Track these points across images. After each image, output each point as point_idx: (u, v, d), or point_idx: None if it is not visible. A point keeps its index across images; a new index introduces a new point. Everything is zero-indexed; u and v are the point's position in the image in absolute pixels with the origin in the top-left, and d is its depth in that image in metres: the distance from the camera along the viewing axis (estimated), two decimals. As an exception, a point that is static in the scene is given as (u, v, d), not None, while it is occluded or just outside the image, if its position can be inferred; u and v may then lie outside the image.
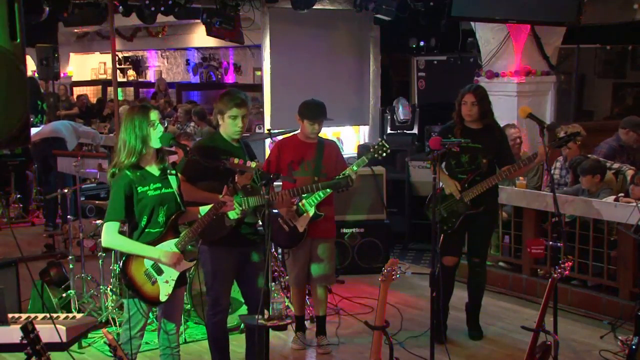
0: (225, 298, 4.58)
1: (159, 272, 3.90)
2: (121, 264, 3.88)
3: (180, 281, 4.00)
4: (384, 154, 4.98)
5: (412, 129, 8.81)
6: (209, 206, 4.00)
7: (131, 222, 3.93)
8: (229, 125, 4.44)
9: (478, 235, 5.54)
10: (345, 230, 7.32)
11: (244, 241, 4.52)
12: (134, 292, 3.87)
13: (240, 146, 4.53)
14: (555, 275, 4.23)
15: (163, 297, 3.91)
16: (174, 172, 4.04)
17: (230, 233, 4.43)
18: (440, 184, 5.22)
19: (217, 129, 4.60)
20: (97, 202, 7.69)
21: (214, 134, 4.66)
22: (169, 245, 3.91)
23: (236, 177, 3.94)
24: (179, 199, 3.99)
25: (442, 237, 5.34)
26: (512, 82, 7.64)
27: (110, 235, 3.84)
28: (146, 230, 3.89)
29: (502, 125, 6.54)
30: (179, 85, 17.16)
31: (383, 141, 5.01)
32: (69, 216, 6.24)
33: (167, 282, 3.91)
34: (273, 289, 5.18)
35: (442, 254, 5.32)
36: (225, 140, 4.49)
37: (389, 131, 8.82)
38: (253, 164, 4.18)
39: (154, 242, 3.89)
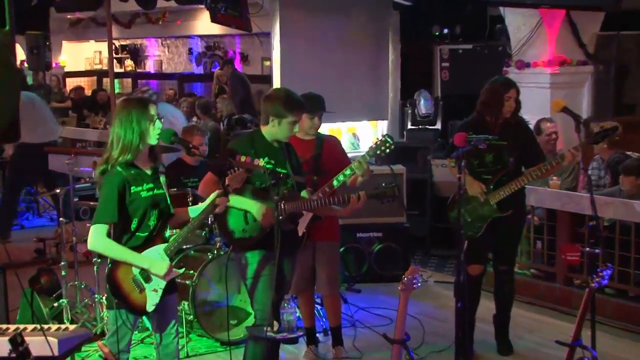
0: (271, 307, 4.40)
1: (147, 279, 3.86)
2: (107, 270, 3.84)
3: (169, 289, 3.95)
4: (387, 150, 4.88)
5: (434, 124, 8.78)
6: (199, 206, 4.00)
7: (119, 224, 3.85)
8: (286, 130, 4.48)
9: (505, 240, 5.49)
10: (361, 235, 7.33)
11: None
12: (121, 301, 3.84)
13: (280, 147, 4.55)
14: (593, 285, 4.20)
15: (150, 307, 3.88)
16: (164, 172, 4.04)
17: (267, 235, 4.37)
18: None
19: (258, 127, 4.62)
20: (91, 203, 7.72)
21: (255, 132, 4.68)
22: (157, 251, 3.87)
23: (226, 180, 3.93)
24: (169, 201, 3.97)
25: (466, 244, 5.31)
26: (544, 72, 7.62)
27: (98, 238, 3.78)
28: (136, 233, 3.85)
29: (536, 120, 6.48)
30: (181, 76, 17.23)
31: (386, 136, 4.90)
32: (61, 218, 6.26)
33: (155, 290, 3.87)
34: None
35: (466, 262, 5.29)
36: (266, 140, 4.51)
37: (409, 126, 8.80)
38: (261, 162, 4.18)
39: (142, 246, 3.85)
